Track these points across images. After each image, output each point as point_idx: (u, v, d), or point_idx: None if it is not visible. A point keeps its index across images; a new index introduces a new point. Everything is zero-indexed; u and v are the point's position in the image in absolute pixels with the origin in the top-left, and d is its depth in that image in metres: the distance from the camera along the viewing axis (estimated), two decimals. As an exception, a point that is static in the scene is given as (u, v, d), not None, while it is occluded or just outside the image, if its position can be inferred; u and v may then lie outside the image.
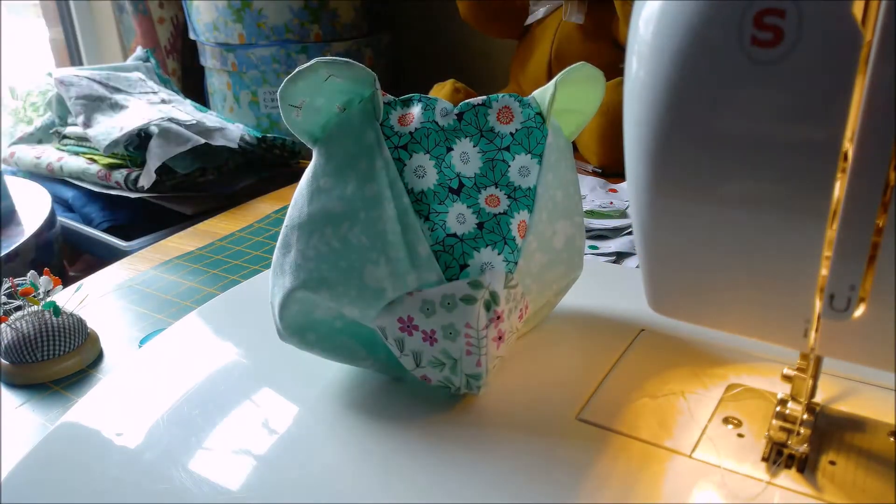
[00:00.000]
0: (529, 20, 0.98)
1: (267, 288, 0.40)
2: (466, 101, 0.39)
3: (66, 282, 0.57)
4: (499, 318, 0.35)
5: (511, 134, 0.38)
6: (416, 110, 0.38)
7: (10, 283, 0.52)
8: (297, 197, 0.38)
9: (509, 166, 0.38)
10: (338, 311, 0.38)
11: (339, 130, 0.37)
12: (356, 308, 0.37)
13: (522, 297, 0.38)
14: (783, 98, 0.23)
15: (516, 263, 0.36)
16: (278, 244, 0.39)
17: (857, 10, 0.22)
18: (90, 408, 0.40)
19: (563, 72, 0.39)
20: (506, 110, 0.38)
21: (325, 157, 0.37)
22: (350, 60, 0.36)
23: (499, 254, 0.36)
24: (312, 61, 0.35)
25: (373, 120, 0.37)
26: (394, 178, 0.36)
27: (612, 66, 0.90)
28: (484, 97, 0.39)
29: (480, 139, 0.38)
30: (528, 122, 0.38)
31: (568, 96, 0.40)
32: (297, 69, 0.35)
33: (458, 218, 0.36)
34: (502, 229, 0.36)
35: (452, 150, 0.38)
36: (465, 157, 0.38)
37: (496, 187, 0.38)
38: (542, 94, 0.39)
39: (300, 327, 0.39)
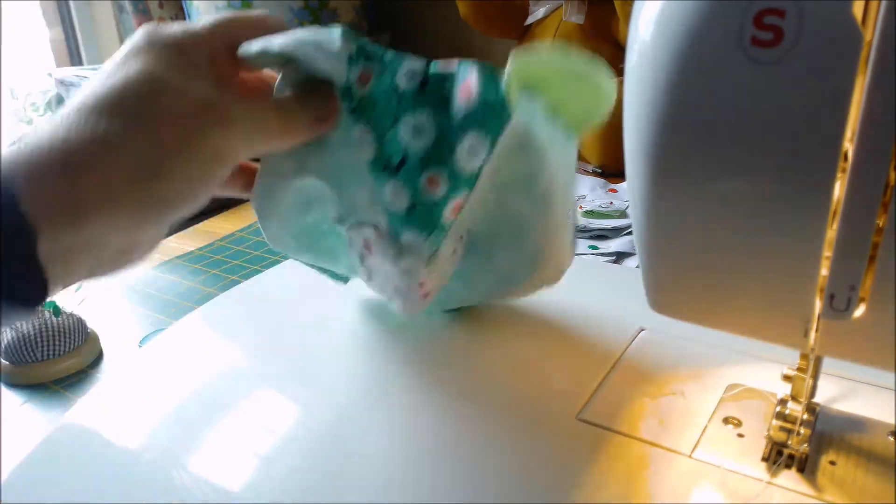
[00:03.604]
0: (529, 20, 0.98)
1: (267, 288, 0.40)
2: (436, 66, 0.36)
3: (66, 282, 0.57)
4: (421, 285, 0.38)
5: (467, 112, 0.35)
6: (375, 71, 0.36)
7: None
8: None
9: (459, 144, 0.35)
10: (325, 212, 0.39)
11: (304, 68, 0.36)
12: (336, 210, 0.39)
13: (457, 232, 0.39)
14: (783, 98, 0.23)
15: (443, 237, 0.37)
16: (260, 177, 0.39)
17: (857, 10, 0.22)
18: (90, 408, 0.40)
19: (531, 55, 0.35)
20: (467, 85, 0.35)
21: (302, 71, 0.36)
22: (314, 47, 0.35)
23: (424, 240, 0.36)
24: (259, 47, 0.35)
25: (340, 78, 0.36)
26: (350, 135, 0.37)
27: (612, 66, 0.89)
28: (455, 66, 0.36)
29: (438, 110, 0.36)
30: (488, 100, 0.35)
31: (556, 90, 0.36)
32: (245, 49, 0.35)
33: (393, 193, 0.36)
34: (432, 215, 0.36)
35: (401, 121, 0.36)
36: (419, 130, 0.36)
37: (440, 165, 0.35)
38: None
39: (286, 235, 0.41)
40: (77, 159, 0.27)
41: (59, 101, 1.00)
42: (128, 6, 1.30)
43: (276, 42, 0.35)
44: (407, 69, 0.36)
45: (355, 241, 0.39)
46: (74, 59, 1.37)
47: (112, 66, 0.30)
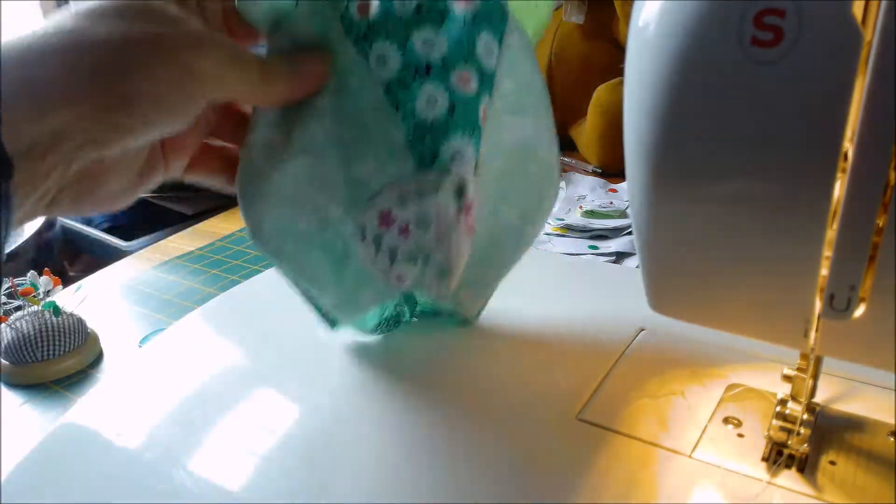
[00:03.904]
0: (529, 20, 0.98)
1: (267, 288, 0.40)
2: None
3: (66, 282, 0.57)
4: (469, 207, 0.35)
5: (473, 13, 0.36)
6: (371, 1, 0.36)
7: (10, 283, 0.52)
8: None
9: (476, 42, 0.36)
10: (323, 216, 0.37)
11: (301, 24, 0.36)
12: (342, 205, 0.37)
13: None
14: (783, 98, 0.23)
15: (479, 152, 0.35)
16: (250, 158, 0.37)
17: (857, 10, 0.22)
18: (90, 408, 0.40)
19: None
20: None
21: (286, 46, 0.36)
22: None
23: (469, 140, 0.35)
24: None
25: (335, 13, 0.36)
26: (362, 71, 0.36)
27: (612, 66, 0.90)
28: None
29: (442, 24, 0.36)
30: (488, 2, 0.36)
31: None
32: None
33: (428, 101, 0.35)
34: (471, 115, 0.35)
35: (411, 37, 0.36)
36: (430, 44, 0.36)
37: (466, 63, 0.35)
38: None
39: (281, 233, 0.38)
40: (45, 44, 0.27)
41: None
42: (128, 6, 1.30)
43: None
44: None
45: (369, 226, 0.36)
46: (74, 59, 1.37)
47: None
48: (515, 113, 0.38)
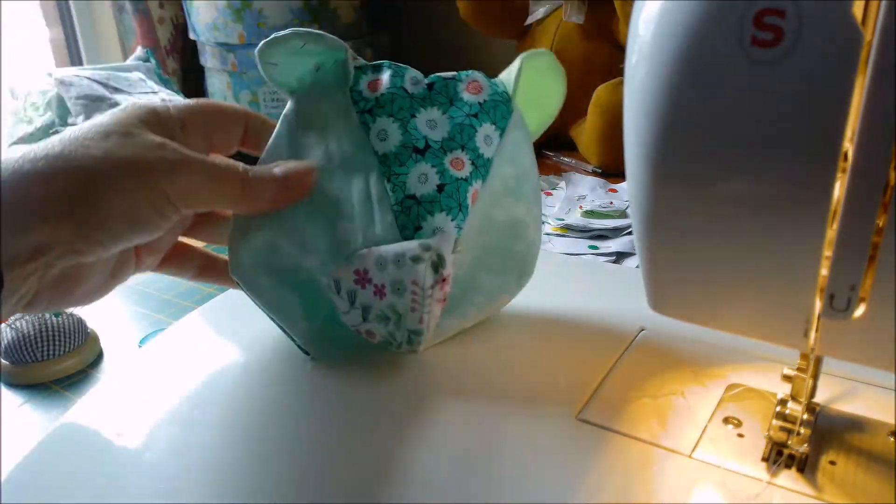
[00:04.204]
0: (529, 20, 0.98)
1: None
2: (437, 73, 0.40)
3: (66, 282, 0.57)
4: (444, 280, 0.36)
5: (479, 104, 0.39)
6: (384, 77, 0.39)
7: (10, 283, 0.52)
8: (273, 148, 0.39)
9: (476, 131, 0.39)
10: (297, 262, 0.39)
11: (314, 89, 0.39)
12: (318, 258, 0.38)
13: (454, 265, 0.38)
14: (783, 98, 0.23)
15: (462, 229, 0.38)
16: None
17: (857, 10, 0.22)
18: (90, 408, 0.40)
19: (528, 52, 0.40)
20: (475, 83, 0.40)
21: (301, 112, 0.39)
22: (322, 33, 0.38)
23: (452, 219, 0.37)
24: (287, 31, 0.37)
25: (343, 84, 0.39)
26: (361, 141, 0.38)
27: (612, 66, 0.90)
28: (454, 72, 0.40)
29: (450, 107, 0.39)
30: (494, 96, 0.40)
31: (531, 86, 0.41)
32: (273, 36, 0.37)
33: (419, 178, 0.37)
34: (460, 195, 0.38)
35: (417, 116, 0.39)
36: (433, 124, 0.39)
37: (462, 150, 0.38)
38: (507, 74, 0.41)
39: (257, 266, 0.39)
40: (32, 168, 0.30)
41: (59, 101, 1.00)
42: (128, 6, 1.30)
43: (301, 31, 0.38)
44: (411, 76, 0.40)
45: (344, 281, 0.37)
46: (74, 59, 1.37)
47: (100, 116, 0.34)
48: (511, 195, 0.41)
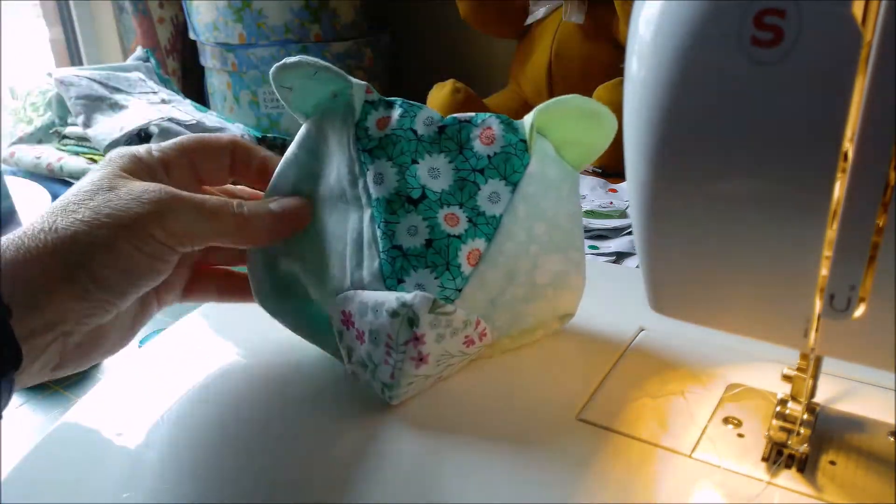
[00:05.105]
0: (529, 20, 0.98)
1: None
2: (453, 115, 0.39)
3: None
4: (418, 339, 0.34)
5: (489, 157, 0.37)
6: (395, 115, 0.38)
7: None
8: (284, 170, 0.39)
9: (479, 189, 0.37)
10: (305, 294, 0.39)
11: (326, 119, 0.39)
12: (318, 290, 0.38)
13: (471, 324, 0.36)
14: (783, 98, 0.23)
15: (459, 290, 0.36)
16: None
17: (857, 10, 0.22)
18: (90, 408, 0.40)
19: (551, 101, 0.38)
20: (489, 131, 0.38)
21: (311, 137, 0.39)
22: (331, 66, 0.37)
23: (435, 278, 0.35)
24: (298, 57, 0.37)
25: (350, 119, 0.38)
26: (359, 180, 0.37)
27: (612, 66, 0.90)
28: (472, 114, 0.39)
29: (457, 156, 0.38)
30: (508, 148, 0.38)
31: (568, 129, 0.39)
32: (285, 61, 0.37)
33: (409, 229, 0.36)
34: (448, 253, 0.36)
35: (420, 162, 0.37)
36: (436, 173, 0.37)
37: (460, 207, 0.37)
38: (529, 118, 0.39)
39: (279, 294, 0.40)
40: (31, 245, 0.30)
41: (59, 101, 1.00)
42: (128, 6, 1.30)
43: (311, 59, 0.37)
44: (426, 116, 0.38)
45: (334, 319, 0.38)
46: (74, 59, 1.37)
47: (84, 176, 0.35)
48: (549, 252, 0.39)
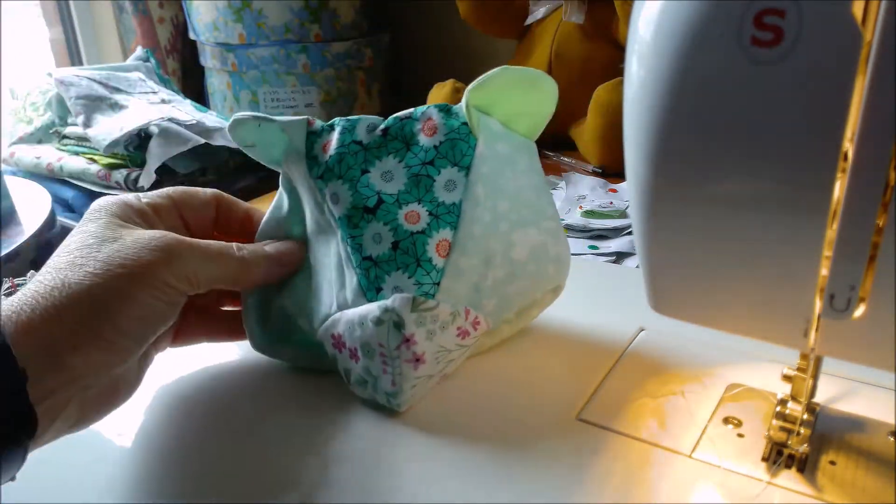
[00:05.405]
0: (529, 20, 0.98)
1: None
2: (394, 115, 0.39)
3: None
4: (408, 340, 0.35)
5: (435, 147, 0.38)
6: (335, 135, 0.39)
7: (10, 284, 0.52)
8: (273, 213, 0.41)
9: (434, 181, 0.37)
10: (295, 323, 0.40)
11: (288, 162, 0.40)
12: (308, 321, 0.39)
13: (460, 315, 0.36)
14: (783, 98, 0.23)
15: (437, 284, 0.36)
16: None
17: (857, 10, 0.22)
18: (90, 408, 0.40)
19: (481, 77, 0.38)
20: (430, 122, 0.38)
21: (287, 180, 0.41)
22: (267, 116, 0.39)
23: (409, 277, 0.36)
24: (240, 114, 0.38)
25: (301, 155, 0.39)
26: (324, 206, 0.38)
27: (612, 66, 0.90)
28: (411, 109, 0.39)
29: (406, 153, 0.38)
30: (451, 134, 0.38)
31: (509, 101, 0.39)
32: (231, 120, 0.39)
33: (374, 238, 0.37)
34: (416, 250, 0.36)
35: (371, 171, 0.38)
36: (389, 175, 0.38)
37: (419, 203, 0.37)
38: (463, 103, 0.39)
39: (273, 341, 0.41)
40: (47, 303, 0.30)
41: (59, 101, 1.00)
42: (128, 6, 1.30)
43: (255, 114, 0.39)
44: (367, 124, 0.39)
45: (326, 346, 0.38)
46: (74, 59, 1.37)
47: (75, 229, 0.35)
48: (520, 226, 0.39)
